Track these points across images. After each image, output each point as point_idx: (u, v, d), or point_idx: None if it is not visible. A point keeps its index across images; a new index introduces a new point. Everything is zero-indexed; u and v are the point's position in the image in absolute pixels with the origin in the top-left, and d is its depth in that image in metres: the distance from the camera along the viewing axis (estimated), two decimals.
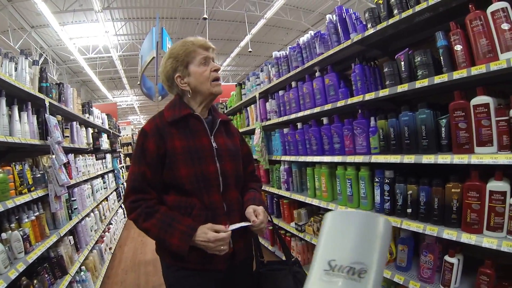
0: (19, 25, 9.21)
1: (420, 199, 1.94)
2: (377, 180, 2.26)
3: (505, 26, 1.47)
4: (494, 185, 1.56)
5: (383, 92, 2.17)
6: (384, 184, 2.20)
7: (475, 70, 1.59)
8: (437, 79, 1.79)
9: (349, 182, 2.53)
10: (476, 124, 1.63)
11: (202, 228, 1.36)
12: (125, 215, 7.33)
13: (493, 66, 1.51)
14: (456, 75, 1.69)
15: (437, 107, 1.96)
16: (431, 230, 1.83)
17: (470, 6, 1.63)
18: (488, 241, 1.55)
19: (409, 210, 2.02)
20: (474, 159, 1.61)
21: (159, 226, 1.36)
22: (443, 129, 1.83)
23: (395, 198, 2.12)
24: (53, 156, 2.82)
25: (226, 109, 5.96)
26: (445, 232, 1.75)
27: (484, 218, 1.60)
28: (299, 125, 3.19)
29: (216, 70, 1.52)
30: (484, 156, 1.58)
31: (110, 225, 5.46)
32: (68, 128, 3.81)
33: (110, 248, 5.02)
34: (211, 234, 1.33)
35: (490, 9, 1.53)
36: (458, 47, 1.70)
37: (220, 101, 6.81)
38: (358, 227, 0.35)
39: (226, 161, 1.51)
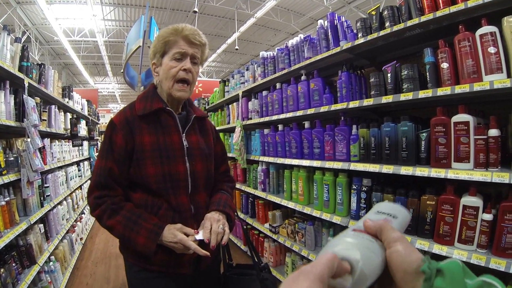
0: None
1: None
2: (354, 187, 2.30)
3: (491, 49, 1.53)
4: (468, 200, 1.62)
5: (367, 102, 2.20)
6: (361, 192, 2.24)
7: (459, 89, 1.65)
8: (422, 94, 1.84)
9: (326, 188, 2.55)
10: (455, 140, 1.69)
11: (171, 228, 1.29)
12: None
13: (477, 87, 1.56)
14: (440, 91, 1.74)
15: (419, 120, 2.01)
16: None
17: (460, 26, 1.68)
18: (458, 253, 1.60)
19: None
20: (450, 174, 1.66)
21: (124, 223, 1.28)
22: (423, 142, 1.88)
23: (371, 206, 2.16)
24: (29, 140, 2.68)
25: (208, 105, 5.91)
26: (417, 242, 1.80)
27: (456, 231, 1.66)
28: (280, 127, 3.19)
29: (185, 70, 1.36)
30: (461, 172, 1.63)
31: (83, 215, 5.28)
32: (46, 111, 3.64)
33: (81, 239, 4.85)
34: (181, 236, 1.27)
35: (479, 32, 1.58)
36: (445, 65, 1.75)
37: (202, 97, 6.74)
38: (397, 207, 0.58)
39: (197, 161, 1.43)
